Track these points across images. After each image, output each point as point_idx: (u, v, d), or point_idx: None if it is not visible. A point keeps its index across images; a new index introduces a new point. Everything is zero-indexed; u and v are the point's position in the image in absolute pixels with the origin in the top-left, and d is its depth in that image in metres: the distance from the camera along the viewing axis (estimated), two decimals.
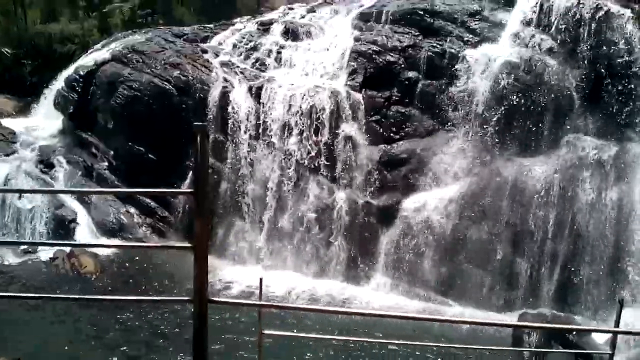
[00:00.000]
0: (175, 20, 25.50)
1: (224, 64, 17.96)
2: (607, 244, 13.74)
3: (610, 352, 5.09)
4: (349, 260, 15.54)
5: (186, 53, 18.39)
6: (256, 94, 16.87)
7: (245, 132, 16.57)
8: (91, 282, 14.26)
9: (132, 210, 16.93)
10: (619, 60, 14.93)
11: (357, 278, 15.36)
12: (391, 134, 16.48)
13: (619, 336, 11.69)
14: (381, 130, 16.51)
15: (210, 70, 17.58)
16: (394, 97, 16.75)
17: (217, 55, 18.53)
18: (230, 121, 16.63)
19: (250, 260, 16.05)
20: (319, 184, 16.05)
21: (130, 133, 17.35)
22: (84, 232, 16.10)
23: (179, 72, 17.49)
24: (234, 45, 18.94)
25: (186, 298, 3.34)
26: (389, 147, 16.32)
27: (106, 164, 17.67)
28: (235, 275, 15.10)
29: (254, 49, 18.70)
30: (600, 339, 11.54)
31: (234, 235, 16.27)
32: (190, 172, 16.23)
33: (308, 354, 11.31)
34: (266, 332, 5.03)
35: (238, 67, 17.97)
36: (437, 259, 14.81)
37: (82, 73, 18.65)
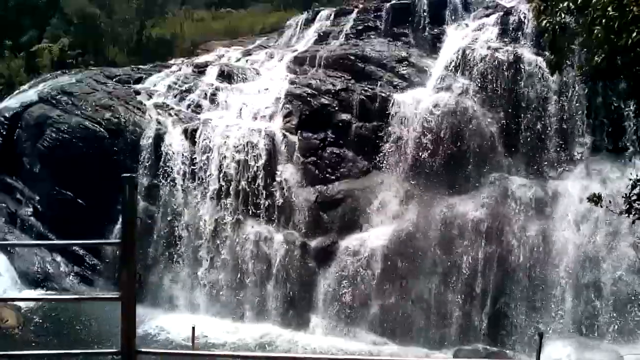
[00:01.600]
0: (107, 61, 25.11)
1: (157, 106, 17.83)
2: (533, 278, 14.38)
3: None
4: (287, 304, 15.42)
5: (118, 95, 18.13)
6: (191, 136, 16.78)
7: (179, 175, 16.36)
8: (12, 337, 13.36)
9: (59, 258, 16.17)
10: (534, 103, 16.05)
11: (296, 321, 15.23)
12: (327, 175, 16.75)
13: None
14: (317, 171, 16.76)
15: (143, 112, 17.38)
16: (328, 139, 17.12)
17: (150, 97, 18.38)
18: (164, 164, 16.39)
19: (185, 308, 15.60)
20: (256, 226, 15.99)
21: (57, 178, 16.71)
22: (6, 282, 15.18)
23: (110, 114, 17.18)
24: (169, 87, 18.87)
25: (114, 350, 3.26)
26: (325, 188, 16.55)
27: (31, 209, 16.87)
28: (169, 324, 14.59)
29: (189, 91, 18.70)
30: None
31: (168, 281, 15.81)
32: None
33: None
34: None
35: (172, 109, 17.88)
36: (373, 298, 14.96)
37: (7, 115, 17.94)
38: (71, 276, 15.94)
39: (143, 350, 3.21)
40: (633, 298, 13.29)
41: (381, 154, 16.71)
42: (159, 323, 14.61)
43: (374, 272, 15.08)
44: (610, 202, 8.17)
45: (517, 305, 14.24)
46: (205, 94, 18.39)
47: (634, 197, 7.49)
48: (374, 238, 15.43)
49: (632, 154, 14.98)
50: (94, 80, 18.94)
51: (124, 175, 3.03)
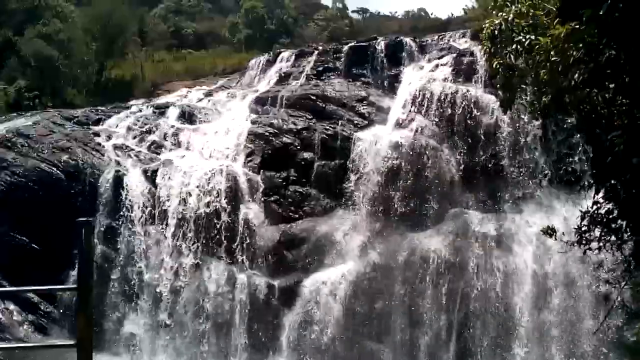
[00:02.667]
0: (65, 103, 24.78)
1: (117, 147, 17.63)
2: (495, 311, 14.56)
3: None
4: (252, 346, 15.10)
5: (76, 136, 17.86)
6: (151, 177, 16.60)
7: (139, 217, 16.08)
8: None
9: (12, 307, 15.43)
10: (489, 139, 16.62)
11: None
12: (290, 214, 16.77)
13: None
14: (280, 210, 16.77)
15: (102, 154, 17.14)
16: (291, 177, 17.23)
17: (110, 138, 18.18)
18: (123, 206, 16.10)
19: (145, 355, 15.08)
20: (218, 267, 15.76)
21: (12, 222, 16.12)
22: None
23: (67, 156, 16.87)
24: (129, 128, 18.72)
25: None
26: (288, 226, 16.54)
27: None
28: None
29: (150, 131, 18.60)
30: None
31: (127, 328, 15.29)
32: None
33: None
34: None
35: (132, 150, 17.70)
36: (340, 337, 14.81)
37: None
38: (25, 325, 15.22)
39: None
40: (590, 329, 13.56)
41: (344, 191, 16.88)
42: None
43: (339, 312, 14.98)
44: (563, 233, 8.44)
45: (481, 339, 14.34)
46: (166, 135, 18.32)
47: (584, 228, 7.77)
48: (338, 276, 15.40)
49: (584, 186, 15.55)
50: (51, 122, 18.63)
51: (79, 220, 3.01)
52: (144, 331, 15.29)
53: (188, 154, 17.68)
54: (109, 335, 15.15)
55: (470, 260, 15.13)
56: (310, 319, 15.03)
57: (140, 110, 19.95)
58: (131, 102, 21.82)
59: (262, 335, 15.17)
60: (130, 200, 16.14)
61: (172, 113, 19.37)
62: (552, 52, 6.71)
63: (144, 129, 18.65)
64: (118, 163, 16.85)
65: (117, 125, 18.98)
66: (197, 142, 18.08)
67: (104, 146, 17.57)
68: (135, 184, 16.39)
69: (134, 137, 18.42)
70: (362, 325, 14.89)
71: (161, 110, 19.72)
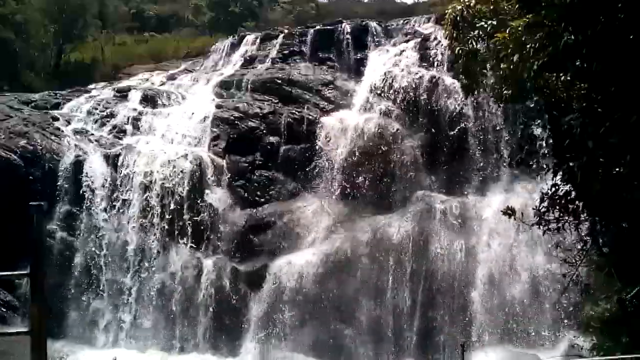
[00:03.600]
0: (22, 87, 23.91)
1: (77, 132, 17.18)
2: (457, 290, 14.90)
3: None
4: (218, 330, 15.09)
5: (34, 121, 17.31)
6: (113, 162, 16.25)
7: (101, 203, 15.75)
8: None
9: None
10: (453, 124, 16.84)
11: (227, 348, 14.91)
12: (256, 198, 16.72)
13: None
14: (246, 194, 16.70)
15: (61, 139, 16.67)
16: (257, 162, 17.14)
17: (69, 123, 17.70)
18: (84, 192, 15.74)
19: (109, 342, 14.89)
20: (184, 252, 15.62)
21: None
22: None
23: (25, 141, 16.34)
24: (89, 113, 18.25)
25: None
26: (254, 210, 16.49)
27: None
28: (92, 359, 13.87)
29: (111, 116, 18.17)
30: None
31: (90, 314, 15.06)
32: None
33: None
34: None
35: (93, 135, 17.27)
36: (306, 320, 14.93)
37: None
38: None
39: None
40: (549, 306, 14.02)
41: (310, 175, 16.90)
42: (81, 358, 13.85)
43: (305, 294, 15.08)
44: (522, 214, 8.65)
45: (444, 318, 14.67)
46: (128, 119, 17.92)
47: (543, 209, 7.98)
48: (304, 260, 15.47)
49: (543, 168, 15.95)
50: (8, 107, 18.01)
51: (32, 203, 2.93)
52: (107, 317, 15.07)
53: (151, 138, 17.36)
54: (72, 321, 14.89)
55: (434, 241, 15.39)
56: (277, 302, 15.08)
57: (101, 94, 19.47)
58: (91, 86, 21.26)
59: (228, 319, 15.17)
60: (91, 186, 15.79)
61: (134, 97, 18.95)
62: (511, 45, 6.82)
63: (104, 113, 18.21)
64: (78, 148, 16.41)
65: (77, 110, 18.48)
66: (160, 127, 17.76)
67: (63, 131, 17.09)
68: (96, 169, 16.04)
69: (95, 122, 17.98)
70: (329, 306, 15.03)
71: (122, 94, 19.27)
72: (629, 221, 7.25)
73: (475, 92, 9.35)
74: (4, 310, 14.97)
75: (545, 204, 8.20)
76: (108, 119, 17.98)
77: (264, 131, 17.54)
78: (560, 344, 13.36)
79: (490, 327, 14.35)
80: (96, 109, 18.38)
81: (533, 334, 14.09)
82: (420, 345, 14.72)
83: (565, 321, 13.53)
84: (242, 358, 14.63)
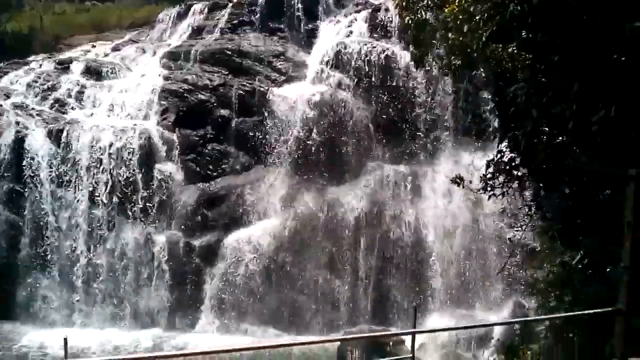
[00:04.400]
0: None
1: (17, 107, 16.39)
2: (409, 258, 15.30)
3: (410, 355, 5.68)
4: (174, 305, 14.99)
5: None
6: (56, 137, 15.62)
7: (46, 180, 15.17)
8: None
9: None
10: (404, 94, 17.03)
11: (183, 323, 14.87)
12: (208, 172, 16.50)
13: (429, 339, 13.08)
14: (198, 168, 16.45)
15: (0, 114, 15.86)
16: (208, 135, 16.85)
17: (8, 97, 16.85)
18: (27, 169, 15.11)
19: (62, 321, 14.56)
20: (135, 228, 15.32)
21: None
22: None
23: None
24: (29, 86, 17.41)
25: None
26: (207, 185, 16.29)
27: None
28: (44, 339, 13.54)
29: (52, 89, 17.39)
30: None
31: (40, 294, 14.65)
32: None
33: None
34: None
35: (34, 109, 16.52)
36: (262, 292, 15.02)
37: None
38: None
39: None
40: (497, 269, 14.60)
41: (263, 148, 16.78)
42: (33, 339, 13.52)
43: (261, 267, 15.14)
44: (470, 182, 8.91)
45: (397, 285, 15.08)
46: (71, 92, 17.20)
47: (489, 176, 8.24)
48: (259, 233, 15.47)
49: (489, 137, 16.41)
50: None
51: None
52: (58, 298, 14.71)
53: (96, 112, 16.75)
54: (22, 302, 14.49)
55: (387, 210, 15.67)
56: (233, 276, 15.09)
57: (41, 66, 18.57)
58: (30, 58, 20.19)
59: (184, 294, 15.09)
60: (34, 162, 15.16)
61: (76, 69, 18.18)
62: (460, 16, 6.90)
63: (45, 87, 17.41)
64: (18, 123, 15.67)
65: (16, 83, 17.58)
66: (105, 100, 17.15)
67: (2, 105, 16.27)
68: (39, 145, 15.38)
69: (36, 95, 17.19)
70: (285, 278, 15.16)
71: (64, 65, 18.45)
72: (570, 187, 7.56)
73: (426, 63, 9.46)
74: None
75: (491, 170, 8.47)
76: (49, 93, 17.21)
77: (215, 104, 17.21)
78: (508, 306, 14.00)
79: (442, 291, 14.86)
80: (36, 81, 17.55)
81: (482, 296, 14.69)
82: (374, 312, 15.10)
83: (513, 284, 14.14)
84: (200, 332, 14.61)
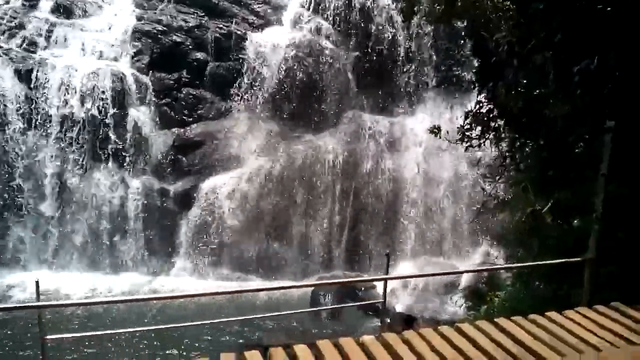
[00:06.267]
0: None
1: None
2: (384, 207, 15.47)
3: (382, 299, 5.79)
4: (149, 250, 15.00)
5: None
6: (26, 78, 15.04)
7: (15, 121, 14.69)
8: None
9: None
10: (384, 44, 16.74)
11: (159, 267, 14.93)
12: (184, 117, 16.17)
13: (399, 285, 13.40)
14: (173, 113, 16.10)
15: None
16: (183, 79, 16.42)
17: None
18: None
19: (35, 265, 14.47)
20: (109, 173, 15.07)
21: None
22: None
23: None
24: None
25: None
26: (182, 130, 16.00)
27: None
28: (16, 282, 13.50)
29: (20, 27, 16.56)
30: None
31: (13, 237, 14.47)
32: None
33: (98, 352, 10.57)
34: (49, 337, 4.63)
35: (1, 47, 15.77)
36: (237, 238, 15.10)
37: None
38: None
39: None
40: (468, 219, 14.89)
41: (239, 94, 16.45)
42: (6, 281, 13.46)
43: (236, 213, 15.14)
44: (447, 132, 8.89)
45: (371, 234, 15.29)
46: (40, 30, 16.44)
47: (467, 127, 8.23)
48: (235, 179, 15.39)
49: (468, 87, 16.37)
50: None
51: None
52: (31, 241, 14.56)
53: (66, 52, 16.10)
54: None
55: (363, 160, 15.69)
56: (208, 222, 15.09)
57: (8, 2, 17.56)
58: None
59: (159, 239, 15.08)
60: (2, 104, 14.63)
61: (45, 6, 17.27)
62: None
63: (13, 24, 16.54)
64: None
65: None
66: (76, 40, 16.45)
67: None
68: (7, 85, 14.79)
69: (2, 33, 16.34)
70: (259, 225, 15.22)
71: (31, 2, 17.49)
72: (546, 139, 7.60)
73: (413, 17, 9.28)
74: None
75: (469, 121, 8.45)
76: (17, 30, 16.39)
77: (190, 47, 16.68)
78: (477, 254, 14.36)
79: (414, 239, 15.14)
80: (2, 18, 16.65)
81: (452, 245, 15.03)
82: (347, 259, 15.38)
83: (482, 233, 14.47)
84: (174, 277, 14.71)
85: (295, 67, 16.26)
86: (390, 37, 16.78)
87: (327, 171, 15.53)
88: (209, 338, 11.07)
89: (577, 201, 6.84)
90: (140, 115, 15.60)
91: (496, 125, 8.57)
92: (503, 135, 8.68)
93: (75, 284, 13.69)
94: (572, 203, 7.02)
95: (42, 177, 14.73)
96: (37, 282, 4.61)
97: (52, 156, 14.79)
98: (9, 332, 10.73)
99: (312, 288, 13.24)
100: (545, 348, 3.42)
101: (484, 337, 3.55)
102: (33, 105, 14.88)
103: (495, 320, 3.83)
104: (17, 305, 4.41)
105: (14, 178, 14.61)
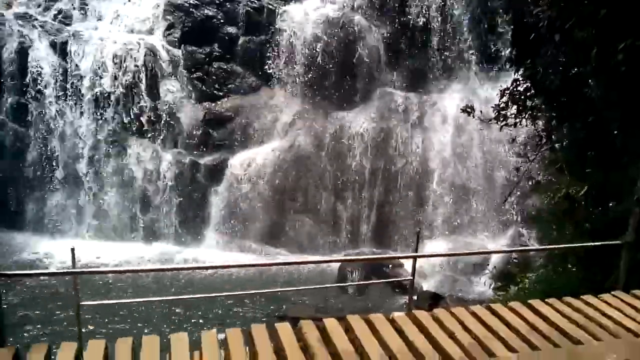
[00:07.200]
0: None
1: (19, 17, 15.88)
2: (414, 185, 15.33)
3: (410, 277, 5.76)
4: (180, 222, 15.25)
5: None
6: (61, 50, 15.27)
7: (51, 93, 14.99)
8: None
9: None
10: (418, 20, 16.37)
11: (190, 239, 15.18)
12: (215, 91, 16.23)
13: (427, 264, 13.35)
14: (204, 87, 16.16)
15: (2, 24, 15.43)
16: (215, 53, 16.42)
17: (10, 6, 16.27)
18: (32, 81, 14.89)
19: (71, 233, 14.90)
20: (141, 146, 15.30)
21: None
22: None
23: None
24: None
25: None
26: (213, 104, 16.07)
27: None
28: (53, 250, 13.92)
29: None
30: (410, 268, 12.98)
31: (50, 207, 14.90)
32: None
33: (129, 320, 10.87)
34: (84, 303, 4.76)
35: (37, 19, 16.02)
36: (266, 212, 15.21)
37: None
38: None
39: (7, 273, 3.01)
40: (501, 198, 14.65)
41: (270, 69, 16.40)
42: (42, 250, 13.90)
43: (266, 187, 15.23)
44: (481, 111, 8.72)
45: (400, 212, 15.21)
46: (74, 3, 16.61)
47: (502, 105, 8.05)
48: (264, 154, 15.44)
49: (504, 65, 15.95)
50: None
51: None
52: (67, 210, 14.97)
53: (99, 24, 16.26)
54: (31, 216, 14.77)
55: (394, 137, 15.53)
56: (238, 195, 15.23)
57: None
58: None
59: (190, 210, 15.30)
60: (39, 75, 14.91)
61: None
62: None
63: None
64: (21, 34, 15.26)
65: None
66: (109, 12, 16.59)
67: (3, 15, 15.76)
68: (43, 57, 15.05)
69: (38, 6, 16.60)
70: (288, 200, 15.29)
71: None
72: (583, 119, 7.39)
73: None
74: None
75: (505, 99, 8.26)
76: (52, 3, 16.62)
77: (222, 20, 16.63)
78: (508, 235, 14.16)
79: (443, 218, 14.99)
80: None
81: (483, 225, 14.84)
82: (375, 237, 15.35)
83: (515, 214, 14.24)
84: (204, 248, 14.95)
85: (326, 42, 16.09)
86: (424, 12, 16.40)
87: (357, 148, 15.44)
88: (236, 310, 11.27)
89: (613, 185, 6.66)
90: (172, 88, 15.71)
91: (533, 103, 8.37)
92: (539, 114, 8.48)
93: (108, 252, 14.04)
94: (608, 186, 6.83)
95: (77, 148, 15.05)
96: (72, 250, 4.71)
97: (86, 128, 15.07)
98: (47, 298, 11.11)
99: (339, 264, 13.30)
100: (581, 332, 3.35)
101: (517, 318, 3.50)
102: (67, 77, 15.13)
103: (528, 302, 3.77)
104: (54, 271, 4.53)
105: (50, 149, 14.96)
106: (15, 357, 2.73)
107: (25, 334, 9.70)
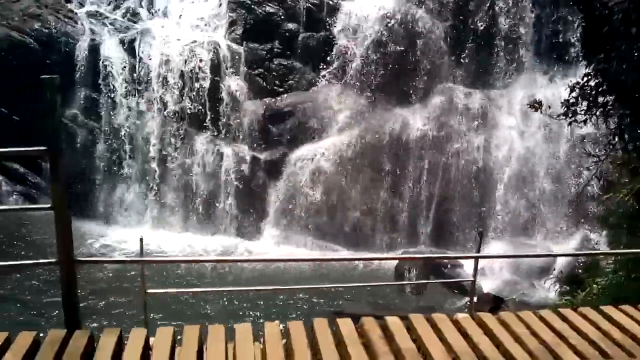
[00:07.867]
0: None
1: (90, 15, 16.64)
2: (475, 184, 14.97)
3: (472, 278, 5.63)
4: (239, 216, 15.57)
5: (47, 3, 16.69)
6: (129, 47, 15.88)
7: (120, 89, 15.63)
8: None
9: (0, 177, 15.51)
10: (481, 13, 15.92)
11: (249, 232, 15.47)
12: (274, 87, 16.42)
13: (488, 265, 13.02)
14: (264, 83, 16.39)
15: (75, 22, 16.21)
16: (275, 50, 16.62)
17: (82, 5, 17.09)
18: (102, 77, 15.59)
19: (138, 223, 15.52)
20: (204, 140, 15.72)
21: None
22: None
23: (40, 24, 15.91)
24: None
25: (51, 260, 3.18)
26: (272, 100, 16.28)
27: None
28: (123, 238, 14.53)
29: None
30: (470, 269, 12.70)
31: (118, 198, 15.59)
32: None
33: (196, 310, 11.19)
34: (150, 290, 4.92)
35: (107, 17, 16.74)
36: (324, 208, 15.27)
37: None
38: (14, 195, 15.39)
39: (82, 259, 3.16)
40: (568, 199, 14.08)
41: (330, 65, 16.42)
42: (112, 237, 14.55)
43: (324, 184, 15.29)
44: (549, 107, 8.39)
45: (460, 211, 14.88)
46: (141, 1, 17.23)
47: (572, 101, 7.71)
48: (323, 150, 15.50)
49: (573, 59, 15.28)
50: None
51: (44, 77, 2.81)
52: (134, 200, 15.61)
53: (166, 22, 16.78)
54: (101, 204, 15.49)
55: (454, 135, 15.22)
56: (296, 191, 15.37)
57: None
58: None
59: (250, 205, 15.58)
60: (109, 71, 15.58)
61: None
62: None
63: None
64: (93, 32, 15.99)
65: None
66: (175, 10, 17.09)
67: (76, 13, 16.55)
68: (112, 54, 15.72)
69: (108, 4, 17.33)
70: (346, 196, 15.29)
71: None
72: None
73: None
74: (34, 191, 15.53)
75: (575, 94, 7.92)
76: (121, 1, 17.31)
77: (282, 17, 16.80)
78: (574, 238, 13.59)
79: (506, 219, 14.56)
80: None
81: (548, 226, 14.31)
82: (434, 236, 15.12)
83: (582, 215, 13.64)
84: (263, 242, 15.19)
85: (387, 37, 15.94)
86: (488, 5, 15.94)
87: (416, 145, 15.23)
88: (292, 303, 11.39)
89: None
90: (234, 84, 16.03)
91: (605, 100, 7.98)
92: (612, 111, 8.07)
93: (173, 242, 14.54)
94: None
95: (145, 142, 15.64)
96: (140, 239, 4.86)
97: (152, 122, 15.63)
98: (114, 285, 11.62)
99: (397, 262, 13.18)
100: None
101: (588, 325, 3.35)
102: (135, 73, 15.73)
103: (600, 307, 3.59)
104: (123, 259, 4.71)
105: (119, 142, 15.62)
106: (90, 340, 2.86)
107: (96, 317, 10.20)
